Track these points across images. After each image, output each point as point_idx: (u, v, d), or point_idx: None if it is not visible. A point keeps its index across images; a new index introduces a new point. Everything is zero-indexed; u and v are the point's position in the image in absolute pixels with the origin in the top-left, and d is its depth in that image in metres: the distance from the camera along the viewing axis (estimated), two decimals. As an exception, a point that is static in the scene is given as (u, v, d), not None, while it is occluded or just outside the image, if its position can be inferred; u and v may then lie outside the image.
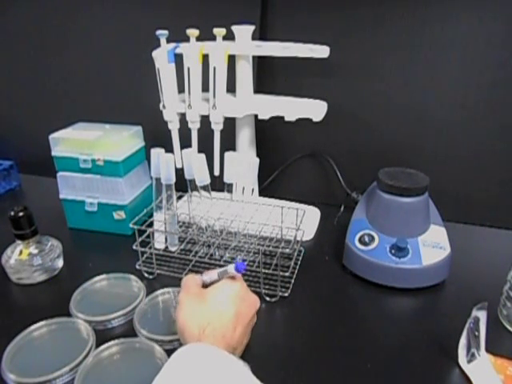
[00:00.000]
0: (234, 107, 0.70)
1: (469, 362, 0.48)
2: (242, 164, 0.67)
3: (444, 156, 0.77)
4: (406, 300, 0.60)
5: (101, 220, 0.76)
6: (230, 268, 0.48)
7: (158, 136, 0.74)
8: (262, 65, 0.79)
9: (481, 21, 0.67)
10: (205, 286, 0.50)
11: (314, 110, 0.69)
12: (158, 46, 0.66)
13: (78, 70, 0.92)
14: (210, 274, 0.51)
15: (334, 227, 0.78)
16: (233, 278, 0.49)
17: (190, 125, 0.72)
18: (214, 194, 0.67)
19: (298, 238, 0.63)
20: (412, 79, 0.74)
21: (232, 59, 0.68)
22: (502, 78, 0.69)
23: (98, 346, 0.50)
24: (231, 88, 0.71)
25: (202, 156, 0.64)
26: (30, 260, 0.62)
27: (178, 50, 0.67)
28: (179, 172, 0.67)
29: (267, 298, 0.59)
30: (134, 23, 0.84)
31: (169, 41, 0.66)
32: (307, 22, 0.74)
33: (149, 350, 0.50)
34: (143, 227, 0.62)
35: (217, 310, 0.45)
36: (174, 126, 0.72)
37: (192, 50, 0.65)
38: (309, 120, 0.68)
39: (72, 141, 0.73)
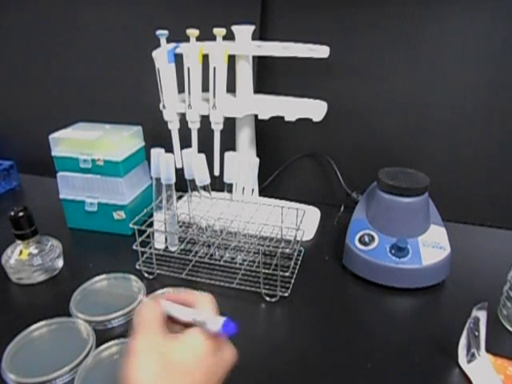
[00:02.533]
0: (234, 107, 0.70)
1: (469, 362, 0.48)
2: (242, 164, 0.67)
3: (444, 156, 0.77)
4: (405, 300, 0.60)
5: (101, 220, 0.76)
6: (213, 324, 0.33)
7: (158, 136, 0.74)
8: (262, 65, 0.79)
9: (480, 21, 0.67)
10: (171, 320, 0.37)
11: (314, 109, 0.69)
12: (158, 46, 0.66)
13: (78, 70, 0.92)
14: (185, 311, 0.36)
15: (334, 227, 0.78)
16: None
17: (190, 125, 0.72)
18: (214, 194, 0.67)
19: (298, 238, 0.63)
20: (412, 79, 0.74)
21: (232, 59, 0.68)
22: (501, 77, 0.69)
23: (98, 345, 0.50)
24: (231, 88, 0.71)
25: (202, 156, 0.64)
26: (30, 260, 0.62)
27: (178, 50, 0.67)
28: (179, 172, 0.67)
29: (267, 298, 0.59)
30: (134, 23, 0.84)
31: (169, 41, 0.66)
32: (307, 22, 0.74)
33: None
34: (143, 227, 0.62)
35: (183, 379, 0.32)
36: (174, 126, 0.72)
37: (192, 49, 0.65)
38: (309, 120, 0.68)
39: (72, 141, 0.73)
